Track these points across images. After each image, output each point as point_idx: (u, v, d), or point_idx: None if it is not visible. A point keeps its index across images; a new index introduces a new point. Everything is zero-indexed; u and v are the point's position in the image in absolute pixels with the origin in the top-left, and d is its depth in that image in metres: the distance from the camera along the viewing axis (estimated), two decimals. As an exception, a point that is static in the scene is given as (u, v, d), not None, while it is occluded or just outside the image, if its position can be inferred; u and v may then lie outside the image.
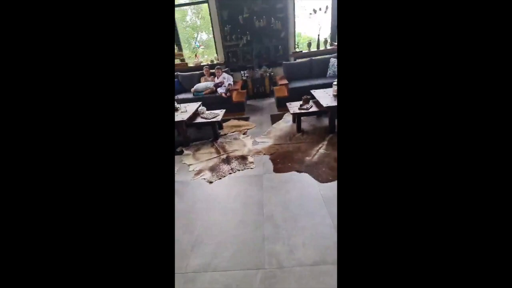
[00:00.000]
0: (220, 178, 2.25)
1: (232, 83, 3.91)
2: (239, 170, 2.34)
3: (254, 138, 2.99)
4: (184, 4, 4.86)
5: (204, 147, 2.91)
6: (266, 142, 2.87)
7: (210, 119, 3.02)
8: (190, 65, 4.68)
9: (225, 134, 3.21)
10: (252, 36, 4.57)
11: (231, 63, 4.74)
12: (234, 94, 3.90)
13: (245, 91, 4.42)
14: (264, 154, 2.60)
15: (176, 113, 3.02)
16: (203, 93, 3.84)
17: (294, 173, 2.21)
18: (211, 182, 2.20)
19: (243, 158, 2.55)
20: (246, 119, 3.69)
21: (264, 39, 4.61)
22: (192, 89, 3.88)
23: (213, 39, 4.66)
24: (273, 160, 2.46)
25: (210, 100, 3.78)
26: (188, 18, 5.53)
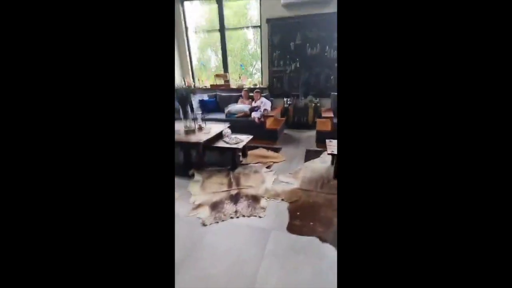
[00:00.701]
0: (217, 222, 1.73)
1: (269, 108, 3.51)
2: (244, 216, 1.79)
3: (278, 176, 2.42)
4: (239, 27, 4.89)
5: (218, 175, 2.47)
6: (290, 183, 2.26)
7: (231, 144, 2.62)
8: (233, 86, 4.54)
9: (246, 164, 2.73)
10: (302, 63, 4.21)
11: (275, 88, 4.42)
12: (269, 120, 3.47)
13: (283, 119, 3.96)
14: (282, 199, 2.00)
15: (199, 133, 2.73)
16: (236, 115, 3.53)
17: (314, 239, 1.54)
18: (204, 225, 1.70)
19: (254, 199, 2.00)
20: (277, 150, 3.17)
21: (314, 67, 4.18)
22: (226, 110, 3.62)
23: (260, 63, 4.48)
24: (291, 211, 1.84)
25: (242, 123, 3.43)
26: (250, 47, 5.80)
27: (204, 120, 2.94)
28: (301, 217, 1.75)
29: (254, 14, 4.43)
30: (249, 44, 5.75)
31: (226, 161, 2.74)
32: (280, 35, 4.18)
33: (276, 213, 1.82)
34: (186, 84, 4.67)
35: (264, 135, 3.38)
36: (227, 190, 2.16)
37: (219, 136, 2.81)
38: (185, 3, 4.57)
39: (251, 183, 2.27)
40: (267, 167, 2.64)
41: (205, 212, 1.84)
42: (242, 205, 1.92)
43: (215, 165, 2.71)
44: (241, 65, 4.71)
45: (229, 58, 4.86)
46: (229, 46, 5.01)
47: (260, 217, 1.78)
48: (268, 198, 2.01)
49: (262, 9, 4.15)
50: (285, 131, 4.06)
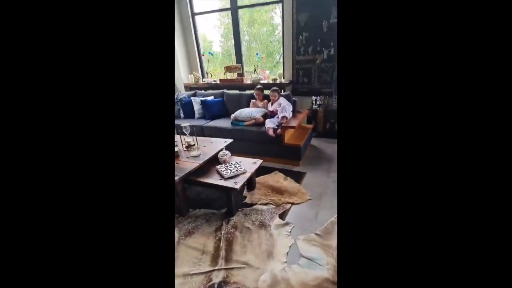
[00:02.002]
0: None
1: (288, 115, 2.45)
2: None
3: (296, 240, 1.42)
4: (255, 4, 3.78)
5: (204, 228, 1.56)
6: (318, 264, 1.25)
7: (225, 178, 1.67)
8: (248, 82, 3.52)
9: (251, 205, 1.78)
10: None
11: (300, 83, 3.30)
12: (288, 133, 2.42)
13: (310, 126, 2.87)
14: (300, 316, 1.01)
15: (184, 156, 1.84)
16: (245, 123, 2.54)
17: None
18: None
19: (248, 309, 1.05)
20: (299, 176, 2.14)
21: (355, 53, 2.95)
22: (232, 116, 2.65)
23: (282, 50, 3.36)
24: None
25: (252, 136, 2.44)
26: (276, 32, 4.80)
27: (194, 134, 2.03)
28: None
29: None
30: (277, 29, 4.68)
31: (222, 199, 1.81)
32: (309, 12, 2.98)
33: None
34: (194, 80, 3.79)
35: (282, 153, 2.36)
36: (207, 272, 1.24)
37: (214, 160, 1.88)
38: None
39: (250, 256, 1.31)
40: (280, 215, 1.65)
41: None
42: (224, 322, 0.99)
43: (205, 205, 1.81)
44: (256, 54, 3.63)
45: (253, 45, 3.82)
46: (253, 31, 3.96)
47: None
48: (273, 308, 1.05)
49: (285, -24, 2.98)
50: (313, 141, 2.98)
